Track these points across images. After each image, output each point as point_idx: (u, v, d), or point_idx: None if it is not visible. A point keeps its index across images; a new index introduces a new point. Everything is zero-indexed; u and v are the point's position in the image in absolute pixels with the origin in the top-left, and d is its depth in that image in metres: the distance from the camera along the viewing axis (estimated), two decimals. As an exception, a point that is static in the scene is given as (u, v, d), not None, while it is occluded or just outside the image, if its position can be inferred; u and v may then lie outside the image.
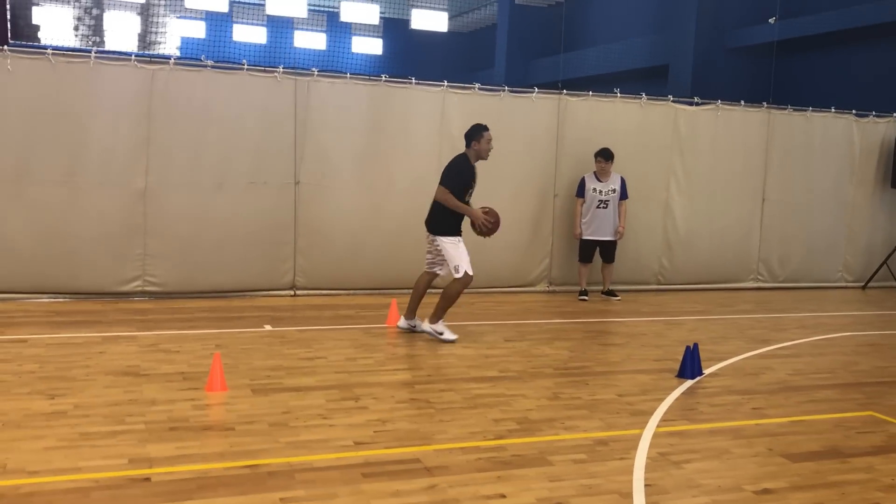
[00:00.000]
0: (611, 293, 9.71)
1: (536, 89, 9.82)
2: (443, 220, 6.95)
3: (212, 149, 8.39)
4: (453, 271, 6.90)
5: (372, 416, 4.87)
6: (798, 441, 4.78)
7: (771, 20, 17.98)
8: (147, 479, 3.78)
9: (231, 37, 28.75)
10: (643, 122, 10.21)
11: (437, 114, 9.30)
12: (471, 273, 6.89)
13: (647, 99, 10.25)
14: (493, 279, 9.60)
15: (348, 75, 9.00)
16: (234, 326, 7.24)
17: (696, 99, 10.71)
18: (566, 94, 9.91)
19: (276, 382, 5.49)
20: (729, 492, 3.98)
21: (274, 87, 8.60)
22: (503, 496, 3.79)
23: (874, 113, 11.46)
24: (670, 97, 10.42)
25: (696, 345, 6.21)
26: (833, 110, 11.21)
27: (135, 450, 4.14)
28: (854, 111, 11.34)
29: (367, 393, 5.34)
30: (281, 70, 8.64)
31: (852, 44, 16.61)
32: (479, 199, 9.42)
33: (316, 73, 8.79)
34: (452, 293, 6.93)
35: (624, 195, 9.58)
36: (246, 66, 8.55)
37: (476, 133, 6.97)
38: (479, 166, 9.40)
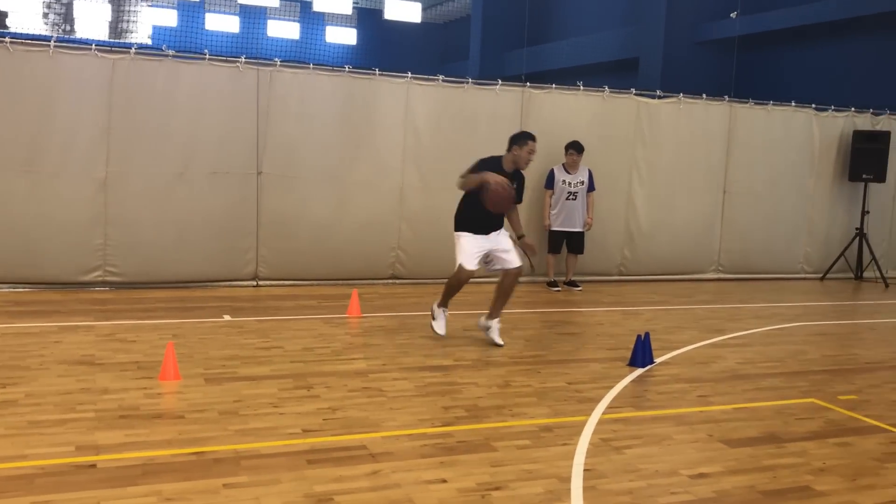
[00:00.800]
0: (573, 283, 9.84)
1: (500, 81, 9.89)
2: (457, 215, 6.70)
3: (174, 138, 8.39)
4: (456, 267, 6.60)
5: (323, 404, 4.94)
6: (738, 427, 4.91)
7: (732, 15, 18.18)
8: (93, 466, 3.82)
9: (203, 26, 28.55)
10: (606, 114, 10.33)
11: (402, 105, 9.35)
12: (467, 267, 6.52)
13: (610, 92, 10.37)
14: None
15: (311, 66, 9.02)
16: (194, 316, 7.27)
17: (658, 92, 10.84)
18: (530, 86, 10.00)
19: (230, 372, 5.54)
20: (665, 476, 4.10)
21: (237, 77, 8.61)
22: (444, 481, 3.88)
23: (833, 107, 11.66)
24: (633, 90, 10.54)
25: (647, 334, 6.33)
26: (793, 104, 11.39)
27: (83, 437, 4.18)
28: (814, 105, 11.54)
29: (321, 382, 5.40)
30: (243, 60, 8.65)
31: (814, 39, 16.84)
32: (443, 191, 9.52)
33: (279, 63, 8.81)
34: (450, 283, 6.73)
35: (591, 187, 9.72)
36: (208, 56, 8.54)
37: (521, 139, 6.64)
38: (442, 159, 9.55)
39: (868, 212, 11.52)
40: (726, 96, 11.10)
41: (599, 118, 10.27)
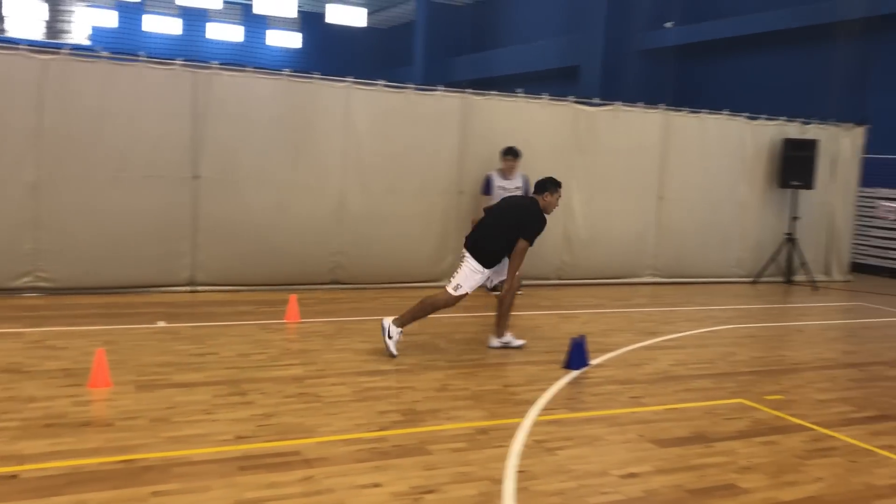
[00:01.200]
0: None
1: (441, 88, 9.95)
2: (490, 251, 6.62)
3: (108, 141, 8.22)
4: (452, 289, 6.54)
5: (257, 410, 4.90)
6: (669, 427, 5.03)
7: (667, 25, 18.61)
8: (14, 477, 3.73)
9: (143, 27, 28.01)
10: (545, 121, 10.47)
11: (342, 110, 9.33)
12: (461, 297, 6.58)
13: (549, 99, 10.51)
14: (400, 275, 9.71)
15: (248, 69, 8.94)
16: (127, 323, 7.14)
17: (595, 100, 11.03)
18: (470, 92, 10.08)
19: (163, 378, 5.46)
20: (596, 476, 4.17)
21: (172, 80, 8.48)
22: (378, 485, 3.89)
23: (765, 116, 12.01)
24: (571, 98, 10.70)
25: (582, 337, 6.43)
26: (726, 113, 11.70)
27: (5, 447, 4.07)
28: (746, 114, 11.87)
29: (256, 388, 5.36)
30: (179, 63, 8.53)
31: (748, 50, 17.34)
32: (385, 195, 9.53)
33: (216, 66, 8.71)
34: (435, 302, 6.58)
35: (528, 193, 9.79)
36: (144, 58, 8.41)
37: (551, 186, 6.80)
38: (384, 164, 9.57)
39: (798, 217, 11.89)
40: (662, 105, 11.34)
41: (538, 125, 10.40)
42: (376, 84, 9.55)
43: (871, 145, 12.77)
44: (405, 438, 4.56)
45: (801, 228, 12.01)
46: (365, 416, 4.92)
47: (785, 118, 12.13)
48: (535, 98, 10.45)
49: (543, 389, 5.68)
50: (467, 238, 6.78)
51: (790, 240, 11.93)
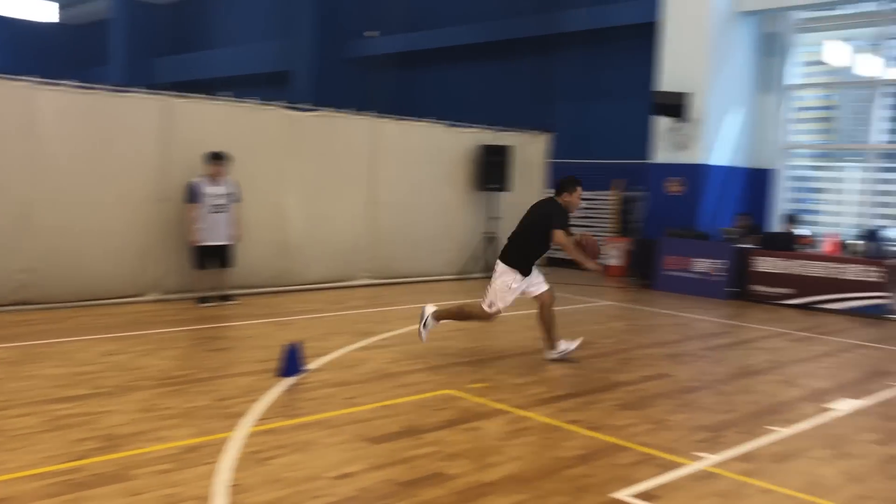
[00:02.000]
0: (226, 297, 9.61)
1: (138, 89, 9.39)
2: (521, 257, 6.85)
3: None
4: (486, 306, 6.88)
5: (-79, 454, 4.27)
6: (382, 424, 5.16)
7: (369, 34, 19.25)
8: None
9: None
10: (254, 126, 10.29)
11: (21, 111, 8.44)
12: (495, 313, 6.95)
13: (258, 103, 10.35)
14: (95, 291, 9.00)
15: None
16: None
17: (303, 105, 11.05)
18: (171, 94, 9.61)
19: None
20: (309, 481, 4.16)
21: None
22: (71, 520, 3.56)
23: (464, 124, 12.81)
24: (281, 103, 10.63)
25: (297, 343, 6.40)
26: (429, 120, 12.31)
27: None
28: (447, 122, 12.57)
29: (-80, 428, 4.67)
30: None
31: (451, 60, 18.41)
32: (79, 206, 8.76)
33: None
34: (470, 313, 7.01)
35: (237, 198, 9.55)
36: None
37: (570, 185, 6.89)
38: (76, 170, 8.82)
39: (496, 217, 12.83)
40: (371, 111, 11.64)
41: (248, 130, 10.19)
42: (62, 84, 8.77)
43: (556, 151, 14.12)
44: (104, 466, 4.22)
45: (500, 227, 12.96)
46: (57, 446, 4.48)
47: (482, 126, 13.02)
48: (244, 102, 10.23)
49: (257, 400, 5.56)
50: (502, 252, 6.97)
51: (490, 238, 12.83)
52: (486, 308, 6.96)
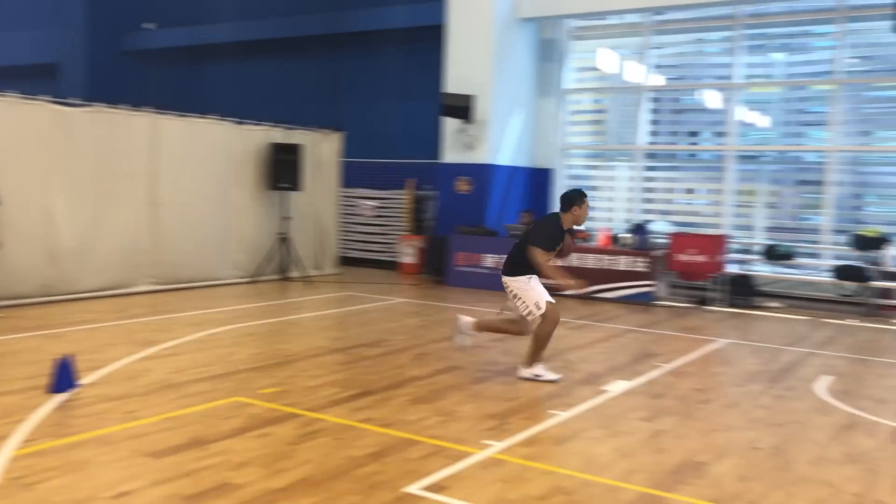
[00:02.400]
0: (-13, 311, 8.74)
1: None
2: (520, 270, 6.66)
3: None
4: (534, 309, 6.55)
5: None
6: (165, 437, 4.90)
7: (148, 26, 18.33)
8: None
9: None
10: (16, 122, 9.41)
11: None
12: (551, 309, 6.59)
13: (19, 97, 9.48)
14: None
15: None
16: None
17: (74, 100, 10.25)
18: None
19: None
20: (83, 503, 3.86)
21: None
22: None
23: (252, 121, 12.47)
24: (46, 97, 9.80)
25: (69, 356, 5.92)
26: (214, 117, 11.85)
27: None
28: (234, 119, 12.18)
29: None
30: None
31: (238, 56, 17.88)
32: None
33: None
34: (542, 335, 6.63)
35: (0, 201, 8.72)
36: None
37: (579, 199, 6.68)
38: None
39: (289, 217, 12.61)
40: (150, 107, 11.01)
41: (8, 126, 9.30)
42: None
43: (347, 150, 14.12)
44: None
45: (293, 227, 12.77)
46: None
47: (271, 123, 12.74)
48: (3, 95, 9.32)
49: (22, 420, 5.09)
50: (503, 267, 6.83)
51: (283, 239, 12.60)
52: (538, 316, 6.57)
